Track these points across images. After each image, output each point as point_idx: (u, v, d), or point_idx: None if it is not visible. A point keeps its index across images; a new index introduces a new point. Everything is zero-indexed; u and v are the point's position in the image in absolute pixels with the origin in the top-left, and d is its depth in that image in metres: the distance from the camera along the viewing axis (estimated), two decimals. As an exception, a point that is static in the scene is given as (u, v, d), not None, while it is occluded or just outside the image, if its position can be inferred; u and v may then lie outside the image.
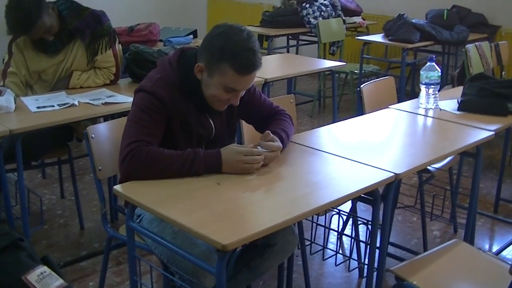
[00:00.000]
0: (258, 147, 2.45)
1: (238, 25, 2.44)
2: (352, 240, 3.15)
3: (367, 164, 2.54)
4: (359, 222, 3.33)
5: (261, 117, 2.77)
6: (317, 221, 2.81)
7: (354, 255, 3.46)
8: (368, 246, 2.58)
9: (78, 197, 4.12)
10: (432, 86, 3.39)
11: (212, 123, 2.61)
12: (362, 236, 3.48)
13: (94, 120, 3.56)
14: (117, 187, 2.30)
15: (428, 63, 3.37)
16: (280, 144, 2.53)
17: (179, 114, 2.49)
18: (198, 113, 2.55)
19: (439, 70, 3.39)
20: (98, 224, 4.09)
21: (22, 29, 3.69)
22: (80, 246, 3.87)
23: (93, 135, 2.77)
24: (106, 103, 3.49)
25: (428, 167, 3.34)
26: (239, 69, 2.36)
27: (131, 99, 2.58)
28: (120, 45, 4.04)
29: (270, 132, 2.56)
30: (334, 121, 4.66)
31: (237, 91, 2.47)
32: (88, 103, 3.51)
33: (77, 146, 4.83)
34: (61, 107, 3.40)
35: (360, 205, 3.49)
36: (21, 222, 3.28)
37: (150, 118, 2.42)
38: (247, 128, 2.97)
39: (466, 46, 5.06)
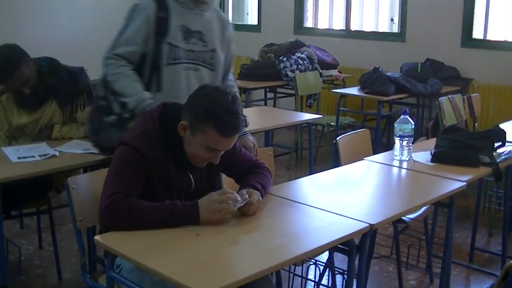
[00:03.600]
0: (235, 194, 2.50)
1: (224, 87, 2.54)
2: (329, 290, 3.18)
3: (343, 215, 2.59)
4: (336, 272, 3.36)
5: (241, 171, 2.82)
6: (294, 271, 2.85)
7: (331, 305, 3.48)
8: (345, 296, 2.62)
9: (57, 247, 4.12)
10: (406, 138, 3.47)
11: (192, 177, 2.65)
12: (339, 286, 3.50)
13: (74, 171, 3.58)
14: (98, 237, 2.33)
15: (402, 116, 3.45)
16: (257, 197, 2.57)
17: (159, 168, 2.54)
18: (179, 168, 2.60)
19: (413, 122, 3.47)
20: (76, 275, 4.08)
21: (0, 77, 3.75)
22: (58, 297, 3.86)
23: (74, 186, 2.79)
24: (87, 153, 3.53)
25: (403, 217, 3.39)
26: (222, 131, 2.44)
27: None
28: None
29: (246, 190, 2.59)
30: (310, 172, 4.72)
31: (218, 151, 2.53)
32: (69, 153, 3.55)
33: (55, 196, 4.83)
34: (42, 158, 3.44)
35: (338, 255, 3.52)
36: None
37: (131, 171, 2.47)
38: (226, 181, 3.01)
39: (440, 98, 5.15)
